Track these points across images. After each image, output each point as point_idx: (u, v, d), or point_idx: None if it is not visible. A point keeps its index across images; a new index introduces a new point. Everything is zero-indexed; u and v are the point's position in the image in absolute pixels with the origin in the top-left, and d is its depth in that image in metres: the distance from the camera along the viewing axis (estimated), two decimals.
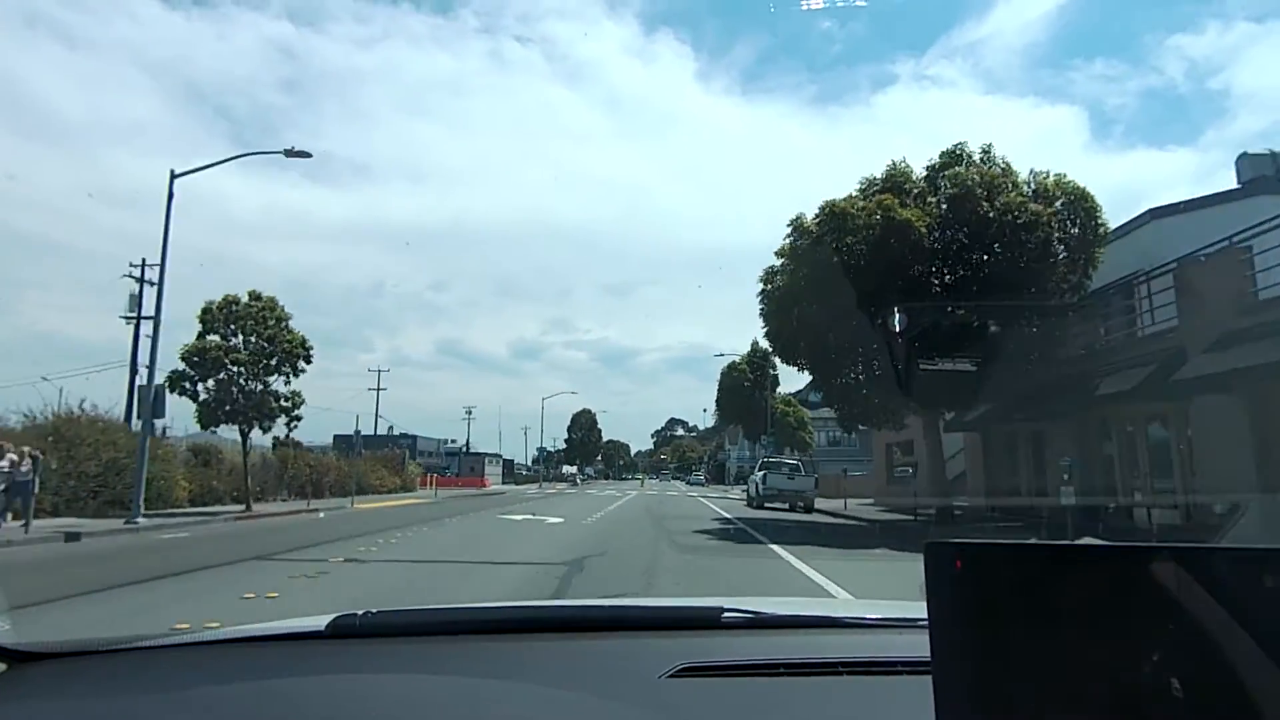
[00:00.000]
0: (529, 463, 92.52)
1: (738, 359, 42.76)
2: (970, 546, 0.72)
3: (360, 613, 1.45)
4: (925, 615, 0.72)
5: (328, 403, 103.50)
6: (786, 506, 29.68)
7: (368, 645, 1.40)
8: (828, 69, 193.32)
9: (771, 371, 43.61)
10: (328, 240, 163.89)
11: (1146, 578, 0.66)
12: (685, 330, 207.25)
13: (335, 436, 45.23)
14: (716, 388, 44.82)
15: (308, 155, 19.14)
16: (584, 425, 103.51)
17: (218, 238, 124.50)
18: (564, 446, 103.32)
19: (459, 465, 63.90)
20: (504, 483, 68.97)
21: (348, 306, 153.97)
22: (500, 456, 75.46)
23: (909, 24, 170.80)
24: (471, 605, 2.06)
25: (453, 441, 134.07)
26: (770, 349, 23.14)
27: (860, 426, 27.18)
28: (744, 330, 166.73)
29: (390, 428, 79.42)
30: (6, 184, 71.44)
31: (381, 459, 39.52)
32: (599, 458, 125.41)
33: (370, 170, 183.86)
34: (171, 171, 18.33)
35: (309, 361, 21.50)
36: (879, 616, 1.58)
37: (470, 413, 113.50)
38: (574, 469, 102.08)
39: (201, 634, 1.48)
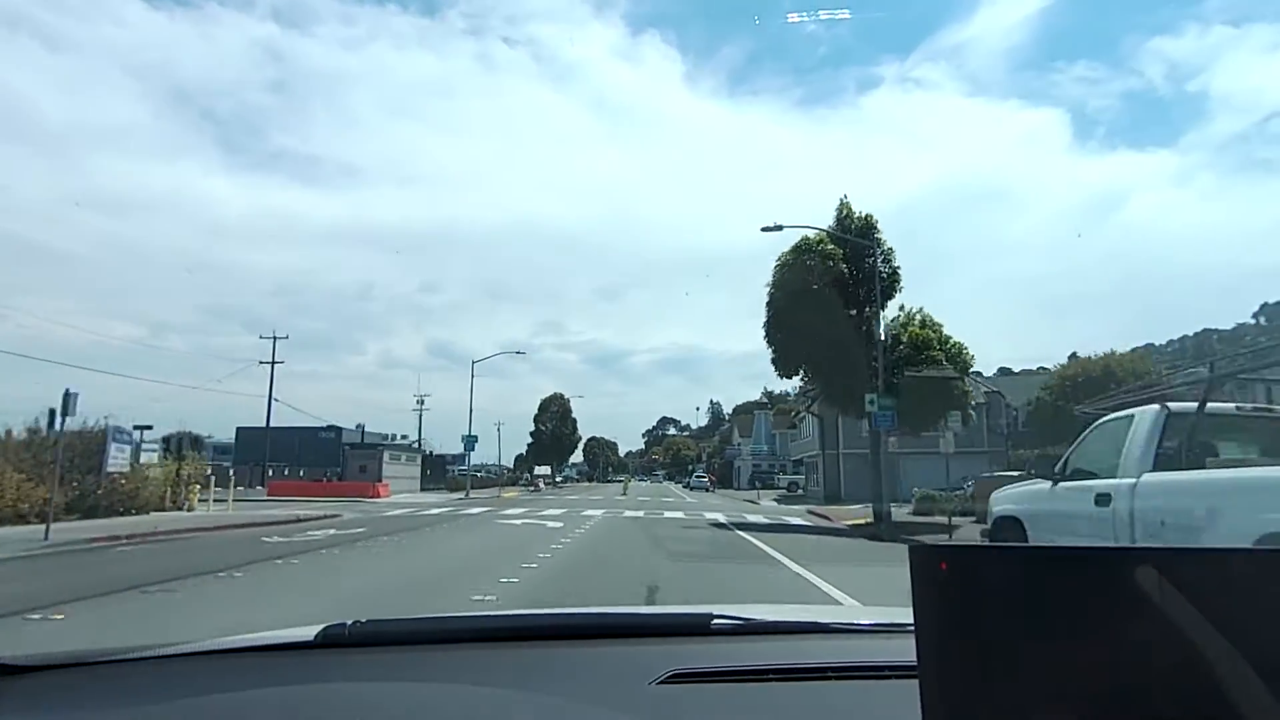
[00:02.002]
0: (500, 463, 75.90)
1: (812, 234, 21.45)
2: (955, 550, 0.72)
3: (350, 622, 1.42)
4: (912, 620, 0.72)
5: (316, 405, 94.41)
6: None
7: (357, 655, 1.39)
8: (814, 71, 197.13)
9: (885, 265, 22.42)
10: (316, 243, 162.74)
11: (1127, 580, 0.67)
12: (675, 332, 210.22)
13: None
14: (766, 307, 23.34)
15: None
16: (555, 414, 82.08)
17: (205, 241, 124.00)
18: (530, 442, 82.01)
19: (344, 462, 42.30)
20: (425, 489, 47.66)
21: (337, 309, 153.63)
22: (422, 451, 53.60)
23: (893, 27, 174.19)
24: (462, 615, 1.86)
25: (403, 437, 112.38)
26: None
27: None
28: (733, 331, 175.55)
29: (334, 426, 61.36)
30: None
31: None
32: (576, 455, 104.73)
33: (358, 172, 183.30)
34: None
35: None
36: (868, 622, 1.57)
37: (422, 403, 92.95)
38: (547, 470, 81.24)
39: (188, 645, 1.41)
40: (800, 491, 49.49)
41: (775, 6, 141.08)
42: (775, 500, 41.81)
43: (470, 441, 41.57)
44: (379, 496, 38.49)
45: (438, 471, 53.76)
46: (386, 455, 42.64)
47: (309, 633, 1.39)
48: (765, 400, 74.59)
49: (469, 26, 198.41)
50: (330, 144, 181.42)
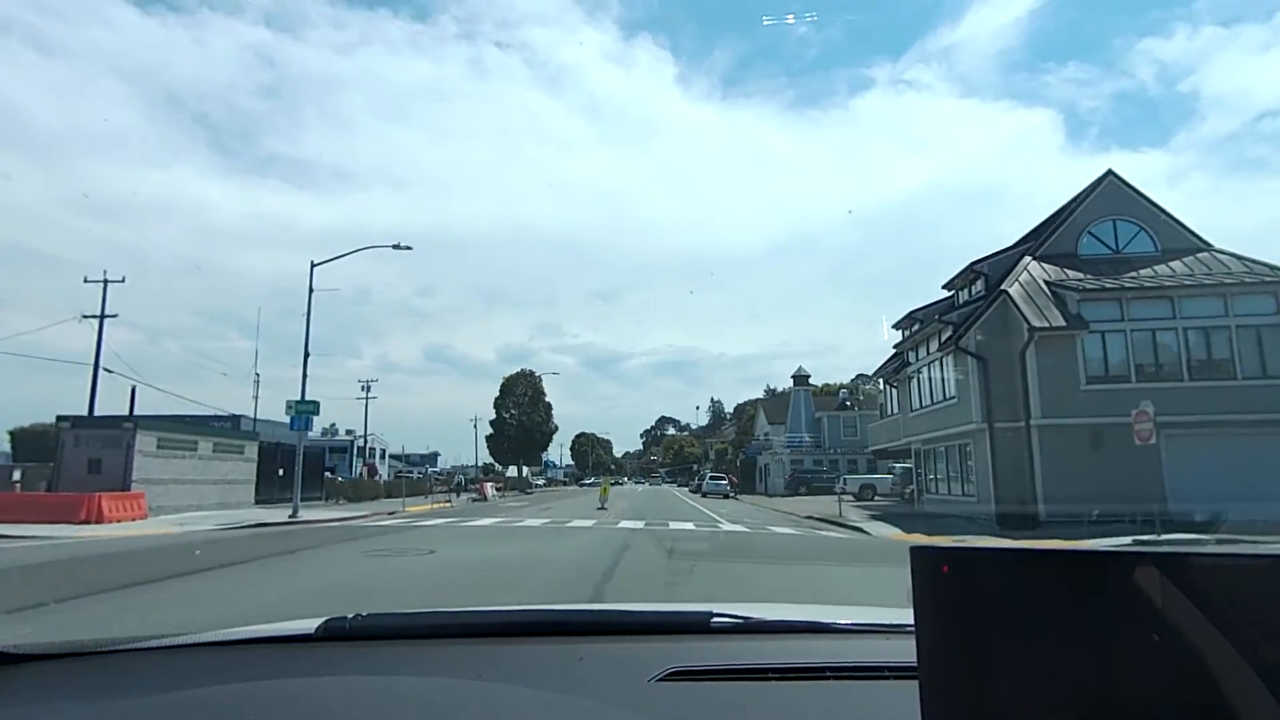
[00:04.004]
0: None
1: None
2: (956, 551, 0.72)
3: (351, 615, 1.43)
4: (912, 621, 0.72)
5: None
6: None
7: (358, 648, 1.39)
8: (805, 73, 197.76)
9: None
10: (312, 247, 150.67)
11: (1129, 582, 0.67)
12: (671, 334, 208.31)
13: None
14: None
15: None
16: (523, 399, 62.30)
17: (201, 245, 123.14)
18: (489, 434, 62.29)
19: (60, 454, 22.15)
20: (261, 499, 27.90)
21: (333, 313, 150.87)
22: (257, 437, 32.65)
23: (884, 28, 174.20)
24: (461, 609, 1.81)
25: (349, 432, 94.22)
26: None
27: None
28: (730, 334, 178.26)
29: (234, 415, 49.12)
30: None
31: None
32: (561, 454, 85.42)
33: (353, 177, 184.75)
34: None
35: None
36: (866, 622, 1.55)
37: (368, 389, 73.57)
38: (518, 471, 61.90)
39: (190, 636, 1.42)
40: (906, 497, 29.83)
41: (770, 8, 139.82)
42: (878, 519, 22.31)
43: (305, 412, 21.81)
44: (98, 519, 18.94)
45: (314, 473, 34.07)
46: (151, 442, 22.39)
47: (310, 625, 1.40)
48: (805, 374, 54.94)
49: (461, 31, 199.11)
50: (324, 148, 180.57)
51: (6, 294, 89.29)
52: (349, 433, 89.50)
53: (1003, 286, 21.12)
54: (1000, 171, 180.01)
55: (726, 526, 19.79)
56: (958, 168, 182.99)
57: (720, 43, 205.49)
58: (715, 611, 1.48)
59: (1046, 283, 20.85)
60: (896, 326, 32.44)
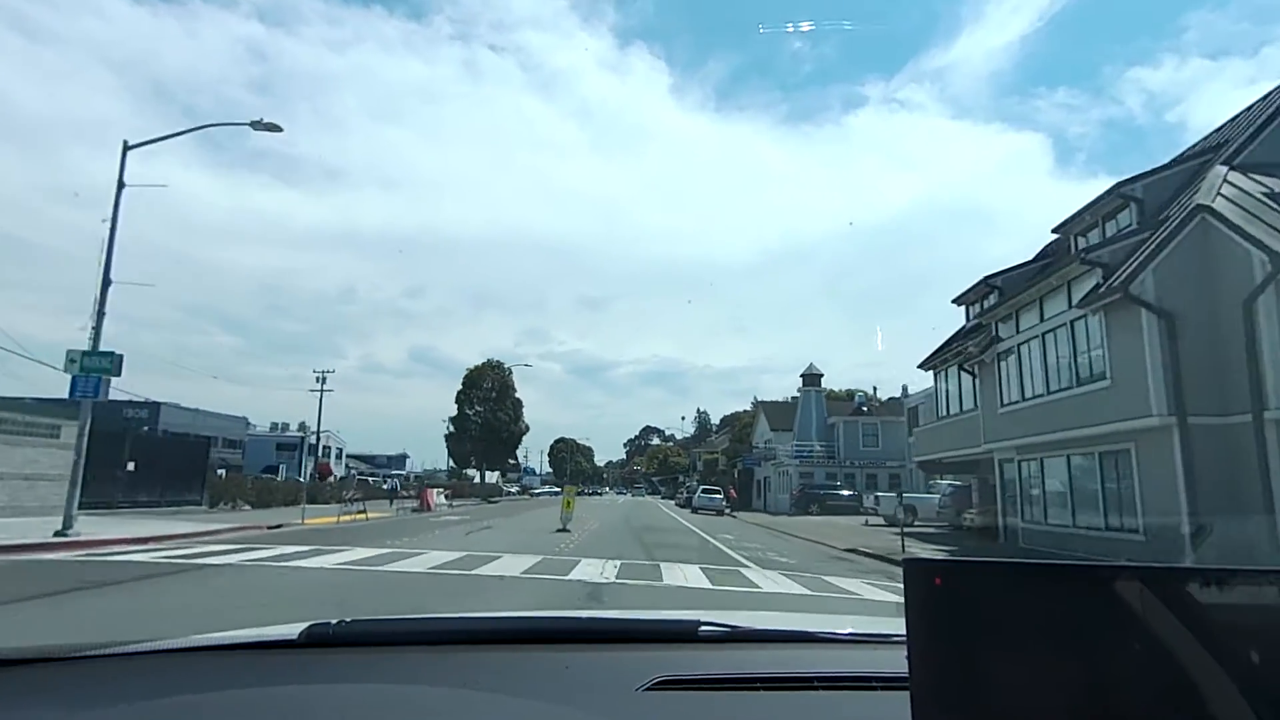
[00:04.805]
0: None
1: None
2: (949, 564, 0.72)
3: (335, 621, 1.40)
4: (900, 631, 0.73)
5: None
6: None
7: (342, 654, 1.37)
8: (799, 89, 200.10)
9: None
10: (299, 245, 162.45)
11: (1117, 596, 0.68)
12: (658, 344, 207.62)
13: None
14: None
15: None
16: (488, 394, 54.10)
17: (185, 240, 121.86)
18: (449, 432, 54.00)
19: None
20: (88, 505, 19.65)
21: (319, 312, 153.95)
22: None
23: (878, 47, 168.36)
24: (448, 615, 1.75)
25: (301, 427, 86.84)
26: None
27: None
28: (717, 345, 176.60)
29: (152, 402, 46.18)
30: None
31: None
32: (539, 460, 77.35)
33: (342, 175, 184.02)
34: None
35: None
36: (855, 632, 1.53)
37: (323, 381, 65.46)
38: (480, 475, 54.16)
39: (170, 641, 1.37)
40: (969, 523, 22.02)
41: (766, 20, 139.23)
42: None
43: (96, 370, 13.86)
44: None
45: (189, 469, 25.77)
46: None
47: (293, 631, 1.38)
48: (816, 372, 47.08)
49: (456, 32, 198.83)
50: (314, 145, 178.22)
51: None
52: (302, 427, 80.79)
53: (1198, 200, 13.45)
54: (990, 192, 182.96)
55: (758, 576, 11.91)
56: (948, 187, 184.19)
57: (715, 55, 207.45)
58: (703, 620, 1.46)
59: (1269, 195, 13.24)
60: (959, 301, 24.83)
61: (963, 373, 21.30)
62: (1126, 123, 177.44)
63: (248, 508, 29.29)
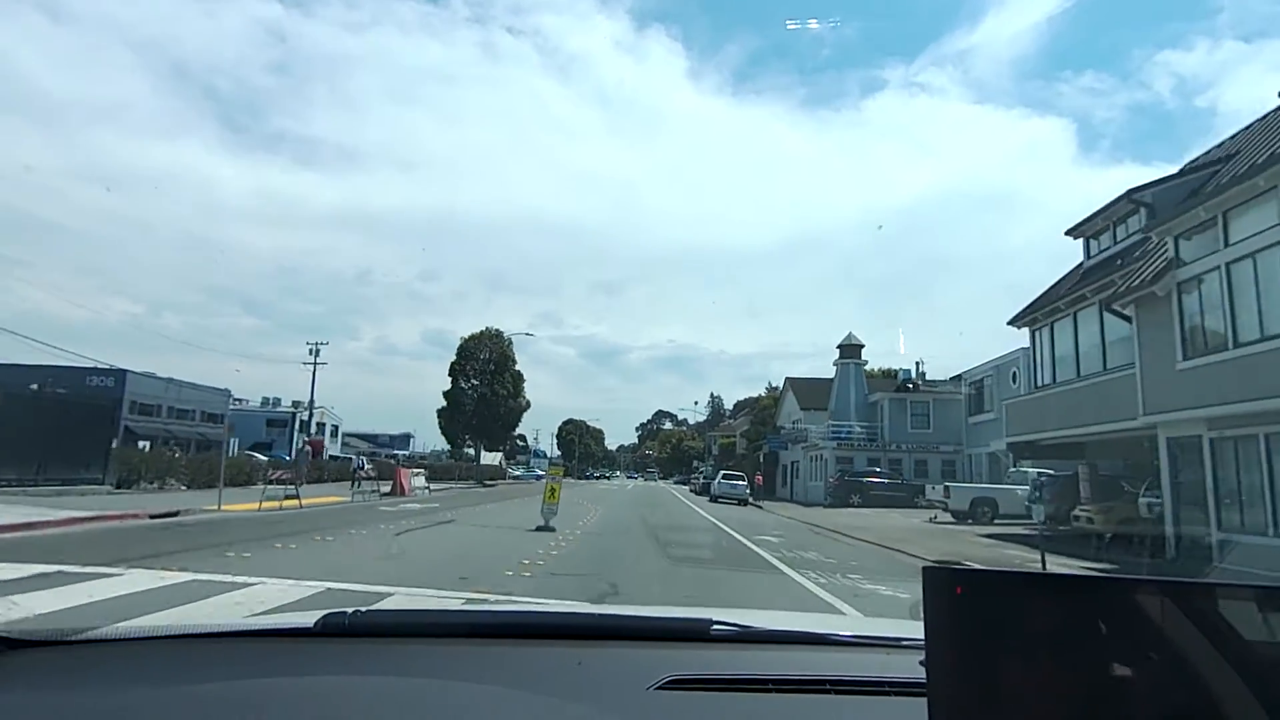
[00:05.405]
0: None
1: None
2: (970, 573, 0.73)
3: (350, 611, 1.41)
4: (916, 636, 0.76)
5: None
6: None
7: (357, 644, 1.37)
8: (818, 72, 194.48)
9: None
10: (316, 226, 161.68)
11: (1138, 610, 0.69)
12: (673, 329, 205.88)
13: None
14: None
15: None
16: (484, 365, 48.63)
17: (207, 222, 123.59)
18: (442, 406, 48.66)
19: None
20: None
21: (334, 293, 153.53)
22: None
23: (898, 30, 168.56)
24: (462, 609, 1.90)
25: (295, 403, 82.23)
26: None
27: None
28: (731, 331, 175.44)
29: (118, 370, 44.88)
30: None
31: None
32: (546, 442, 72.06)
33: (359, 157, 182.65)
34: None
35: None
36: (869, 635, 1.53)
37: (316, 353, 60.63)
38: (475, 454, 48.95)
39: (188, 627, 1.38)
40: (1089, 523, 16.24)
41: (788, 8, 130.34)
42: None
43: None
44: None
45: (86, 437, 20.52)
46: None
47: (309, 620, 1.38)
48: (856, 343, 41.13)
49: (473, 14, 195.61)
50: (331, 127, 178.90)
51: (13, 261, 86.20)
52: (295, 404, 75.79)
53: None
54: (1011, 179, 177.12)
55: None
56: (968, 173, 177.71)
57: (732, 38, 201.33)
58: (716, 619, 1.46)
59: None
60: (1074, 233, 18.92)
61: (1105, 316, 15.39)
62: (1155, 108, 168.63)
63: (183, 488, 24.05)
